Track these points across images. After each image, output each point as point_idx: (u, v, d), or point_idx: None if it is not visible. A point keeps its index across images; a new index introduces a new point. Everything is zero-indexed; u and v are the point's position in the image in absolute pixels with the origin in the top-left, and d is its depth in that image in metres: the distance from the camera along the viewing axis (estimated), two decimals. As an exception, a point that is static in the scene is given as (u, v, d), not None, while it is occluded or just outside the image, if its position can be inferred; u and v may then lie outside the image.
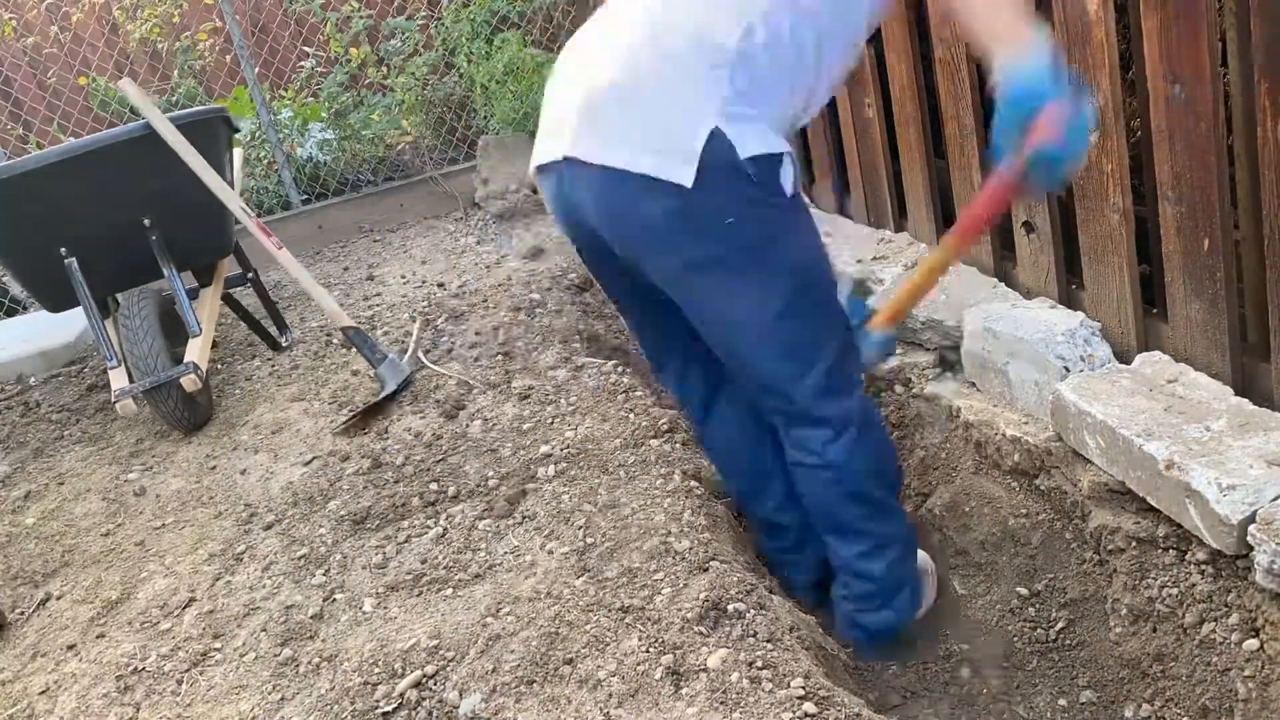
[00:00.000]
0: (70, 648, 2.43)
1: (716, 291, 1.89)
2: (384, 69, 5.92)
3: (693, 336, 2.05)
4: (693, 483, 2.35)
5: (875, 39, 3.10)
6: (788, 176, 1.83)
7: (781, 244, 1.88)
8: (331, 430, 3.10)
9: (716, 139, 1.73)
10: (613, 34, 1.90)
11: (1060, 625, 2.12)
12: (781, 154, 1.81)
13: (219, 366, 3.95)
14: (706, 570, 2.01)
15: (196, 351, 3.37)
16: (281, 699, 2.05)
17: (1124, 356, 2.30)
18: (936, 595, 2.29)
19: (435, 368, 3.35)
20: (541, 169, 1.96)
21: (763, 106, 1.79)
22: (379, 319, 4.00)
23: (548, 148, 1.92)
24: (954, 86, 2.73)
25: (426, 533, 2.45)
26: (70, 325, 4.65)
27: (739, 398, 2.19)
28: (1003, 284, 2.70)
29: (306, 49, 6.16)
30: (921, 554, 2.27)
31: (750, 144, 1.76)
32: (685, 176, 1.74)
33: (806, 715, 1.65)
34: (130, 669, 2.26)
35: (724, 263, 1.85)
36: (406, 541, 2.44)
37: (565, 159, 1.86)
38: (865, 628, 2.15)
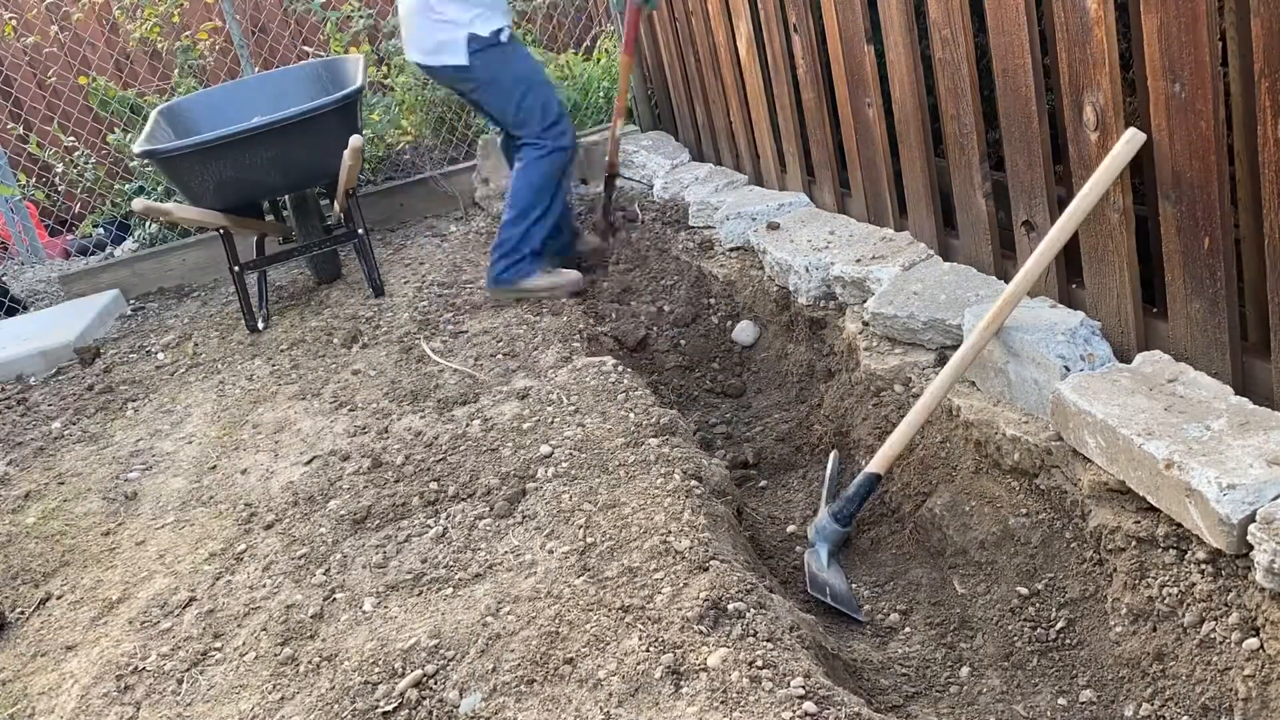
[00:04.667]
0: (70, 647, 2.43)
1: (487, 97, 3.95)
2: (384, 68, 5.91)
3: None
4: (693, 482, 2.35)
5: (876, 38, 3.10)
6: (505, 34, 3.83)
7: (506, 70, 3.86)
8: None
9: (471, 40, 3.78)
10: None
11: (1060, 624, 2.12)
12: (501, 28, 3.81)
13: (219, 366, 3.96)
14: (706, 570, 2.01)
15: None
16: (281, 698, 2.05)
17: (1124, 355, 2.30)
18: (578, 288, 3.93)
19: (441, 360, 3.36)
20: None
21: (483, 9, 3.79)
22: (379, 318, 4.00)
23: (408, 52, 4.08)
24: (954, 86, 2.73)
25: (427, 532, 2.45)
26: (71, 324, 4.66)
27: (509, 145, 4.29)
28: (1003, 283, 2.70)
29: (306, 48, 6.16)
30: (574, 275, 3.98)
31: (482, 28, 3.77)
32: (464, 60, 3.82)
33: (806, 714, 1.65)
34: (130, 668, 2.26)
35: (486, 84, 3.89)
36: (407, 541, 2.44)
37: (413, 60, 4.07)
38: (491, 265, 3.93)
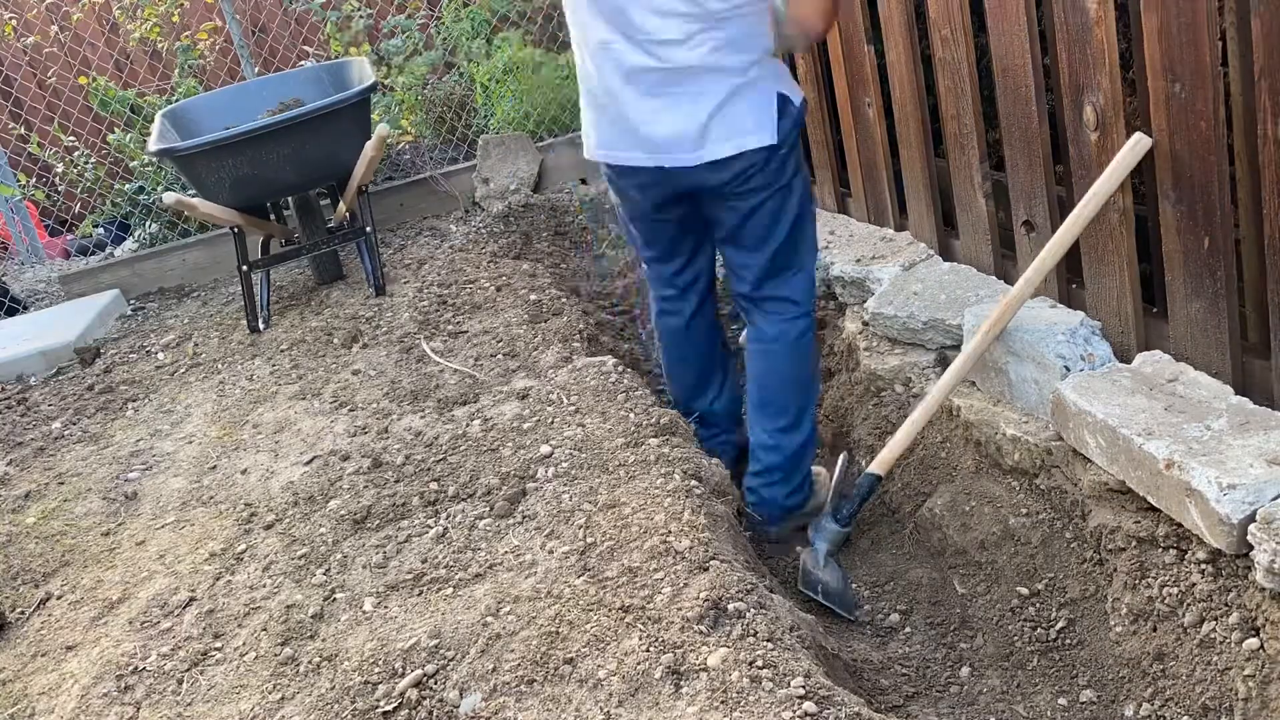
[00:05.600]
0: (70, 647, 2.43)
1: (768, 205, 2.49)
2: (384, 68, 5.91)
3: (700, 270, 2.79)
4: (693, 482, 2.35)
5: (876, 38, 3.10)
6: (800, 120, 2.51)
7: (802, 171, 2.57)
8: None
9: (781, 102, 2.41)
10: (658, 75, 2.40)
11: (1060, 624, 2.12)
12: (804, 99, 2.52)
13: (220, 367, 3.96)
14: (707, 570, 2.01)
15: None
16: (282, 698, 2.05)
17: (1124, 355, 2.30)
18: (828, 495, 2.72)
19: (441, 360, 3.36)
20: (633, 169, 2.52)
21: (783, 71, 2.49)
22: (379, 318, 4.00)
23: (644, 156, 2.47)
24: (954, 86, 2.73)
25: (427, 532, 2.45)
26: (71, 324, 4.66)
27: (708, 316, 2.87)
28: (1003, 283, 2.70)
29: (306, 48, 6.16)
30: (819, 468, 2.82)
31: (790, 89, 2.46)
32: (774, 137, 2.40)
33: (807, 714, 1.65)
34: (130, 668, 2.26)
35: (776, 187, 2.48)
36: (407, 541, 2.44)
37: (674, 168, 2.44)
38: (761, 500, 2.71)
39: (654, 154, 2.45)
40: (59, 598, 2.66)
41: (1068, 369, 2.22)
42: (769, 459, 2.67)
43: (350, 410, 3.25)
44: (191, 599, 2.47)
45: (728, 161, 2.40)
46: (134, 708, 2.15)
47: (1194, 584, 1.82)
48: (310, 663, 2.12)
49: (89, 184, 5.73)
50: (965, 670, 2.16)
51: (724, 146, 2.38)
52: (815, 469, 2.79)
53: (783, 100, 2.41)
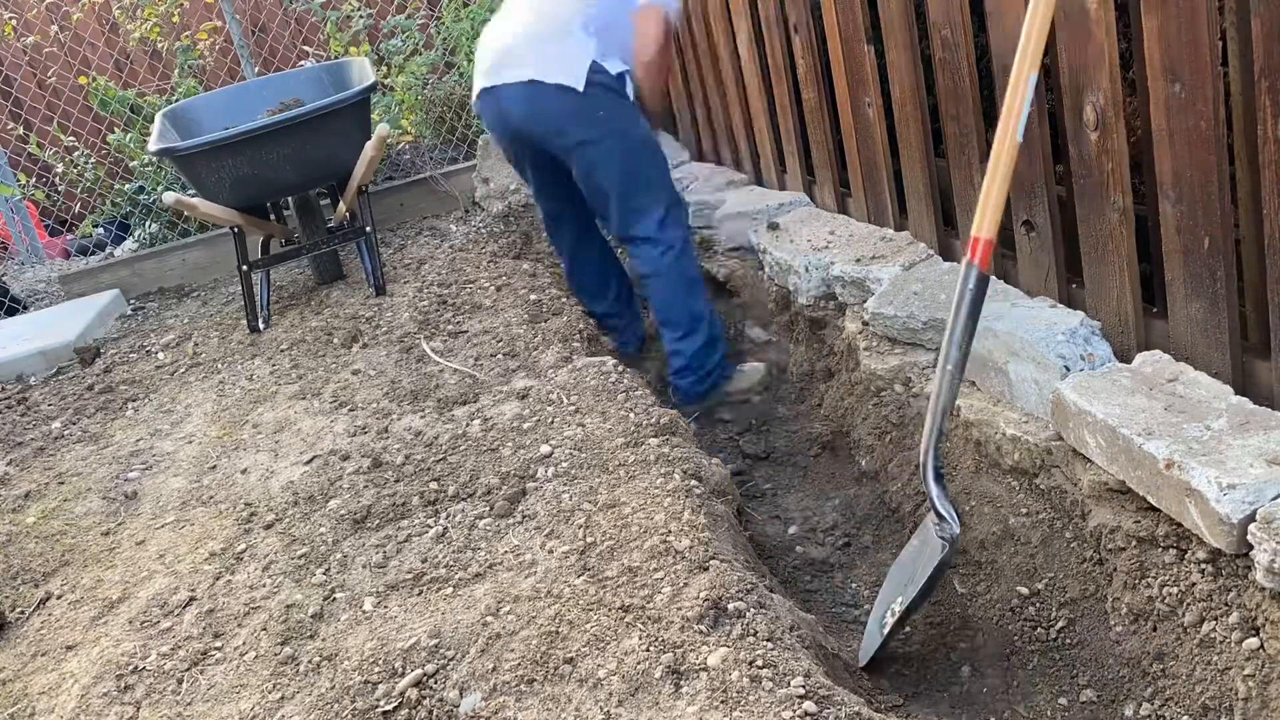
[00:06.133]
0: (70, 647, 2.43)
1: (594, 158, 3.19)
2: (384, 68, 5.91)
3: (572, 204, 3.47)
4: (693, 482, 2.35)
5: (876, 38, 3.10)
6: (631, 89, 3.24)
7: (630, 127, 3.21)
8: None
9: (594, 67, 3.14)
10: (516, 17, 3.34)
11: (1060, 624, 2.12)
12: (625, 71, 3.21)
13: (219, 366, 3.96)
14: (707, 569, 2.01)
15: None
16: (281, 698, 2.05)
17: (1124, 355, 2.30)
18: (768, 379, 3.46)
19: (441, 360, 3.36)
20: (481, 94, 3.30)
21: (614, 51, 3.20)
22: (379, 318, 4.00)
23: (486, 80, 3.27)
24: (954, 86, 2.73)
25: (427, 532, 2.45)
26: (71, 324, 4.66)
27: (591, 245, 3.65)
28: (1003, 283, 2.70)
29: (306, 48, 6.16)
30: (757, 364, 3.48)
31: (610, 64, 3.18)
32: (579, 84, 3.13)
33: (807, 714, 1.65)
34: (130, 668, 2.27)
35: (597, 141, 3.17)
36: (407, 541, 2.44)
37: (503, 84, 3.21)
38: (677, 388, 3.37)
39: (500, 75, 3.36)
40: (59, 597, 2.66)
41: (1068, 369, 2.22)
42: (676, 362, 3.34)
43: (350, 410, 3.25)
44: (191, 598, 2.47)
45: (548, 87, 3.18)
46: (134, 707, 2.15)
47: (1194, 584, 1.82)
48: (310, 662, 2.12)
49: (89, 184, 5.73)
50: (965, 670, 2.16)
51: (545, 74, 3.18)
52: (752, 365, 3.47)
53: (596, 66, 3.15)
